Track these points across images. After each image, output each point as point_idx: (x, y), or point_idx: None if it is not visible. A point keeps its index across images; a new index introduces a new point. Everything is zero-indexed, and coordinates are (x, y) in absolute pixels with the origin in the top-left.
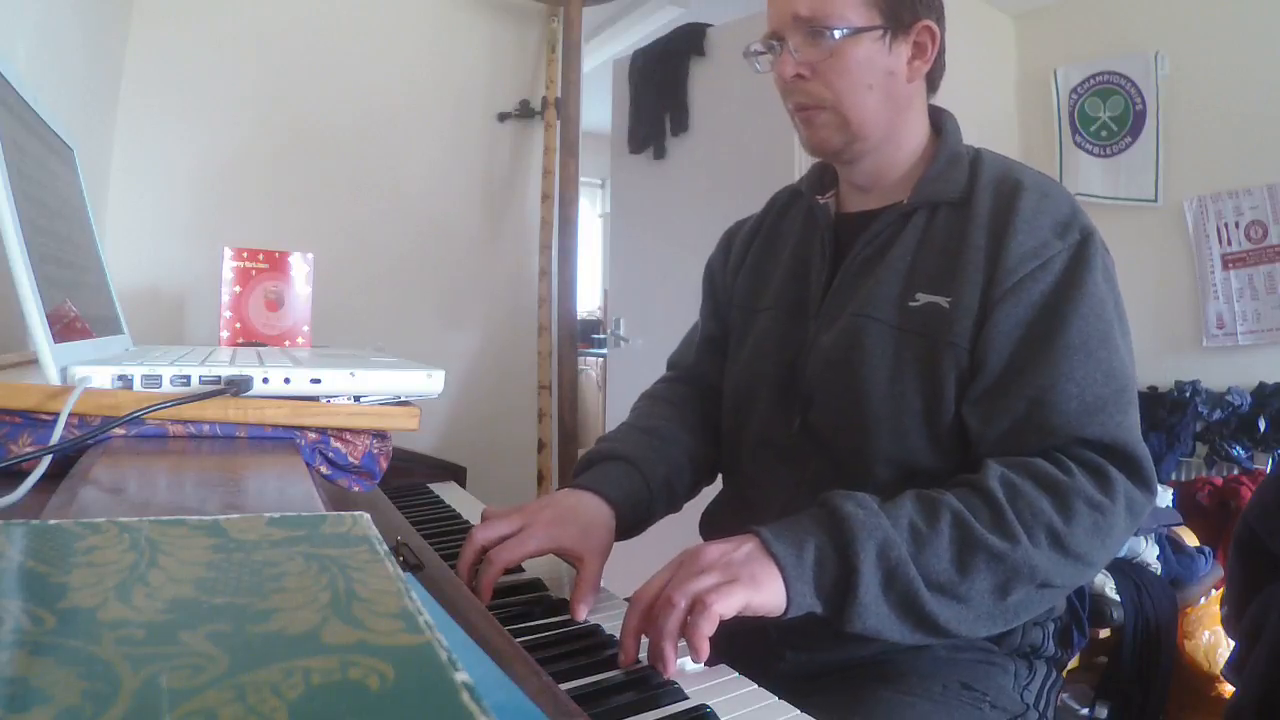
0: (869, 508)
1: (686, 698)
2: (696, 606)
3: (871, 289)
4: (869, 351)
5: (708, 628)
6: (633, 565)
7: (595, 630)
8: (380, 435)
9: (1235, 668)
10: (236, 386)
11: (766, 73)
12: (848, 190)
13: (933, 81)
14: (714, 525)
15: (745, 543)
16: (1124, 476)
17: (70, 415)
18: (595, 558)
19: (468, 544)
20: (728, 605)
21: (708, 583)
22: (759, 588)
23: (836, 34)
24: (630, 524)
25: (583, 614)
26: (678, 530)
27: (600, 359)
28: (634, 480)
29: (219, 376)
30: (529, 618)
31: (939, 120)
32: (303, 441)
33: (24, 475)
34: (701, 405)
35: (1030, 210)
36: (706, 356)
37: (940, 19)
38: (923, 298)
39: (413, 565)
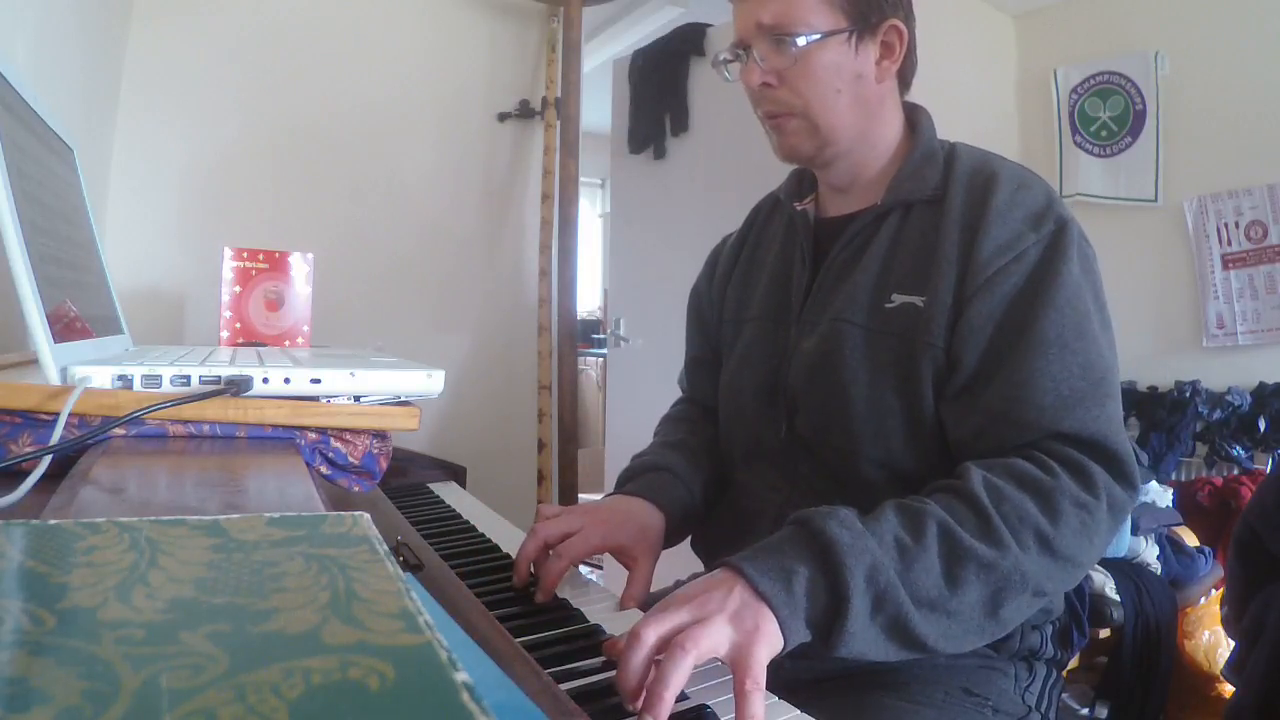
0: (853, 528)
1: (687, 698)
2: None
3: (849, 293)
4: (847, 356)
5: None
6: None
7: (595, 630)
8: (380, 435)
9: (1235, 668)
10: (236, 386)
11: (736, 81)
12: (826, 193)
13: (905, 79)
14: (710, 534)
15: (729, 584)
16: (1105, 473)
17: (70, 415)
18: (649, 556)
19: (531, 539)
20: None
21: (699, 643)
22: (753, 639)
23: (801, 41)
24: (676, 529)
25: (630, 608)
26: None
27: (600, 359)
28: (678, 488)
29: (219, 376)
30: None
31: (914, 117)
32: (303, 441)
33: (24, 475)
34: (710, 425)
35: (1004, 203)
36: (698, 379)
37: (908, 16)
38: (898, 299)
39: (413, 565)
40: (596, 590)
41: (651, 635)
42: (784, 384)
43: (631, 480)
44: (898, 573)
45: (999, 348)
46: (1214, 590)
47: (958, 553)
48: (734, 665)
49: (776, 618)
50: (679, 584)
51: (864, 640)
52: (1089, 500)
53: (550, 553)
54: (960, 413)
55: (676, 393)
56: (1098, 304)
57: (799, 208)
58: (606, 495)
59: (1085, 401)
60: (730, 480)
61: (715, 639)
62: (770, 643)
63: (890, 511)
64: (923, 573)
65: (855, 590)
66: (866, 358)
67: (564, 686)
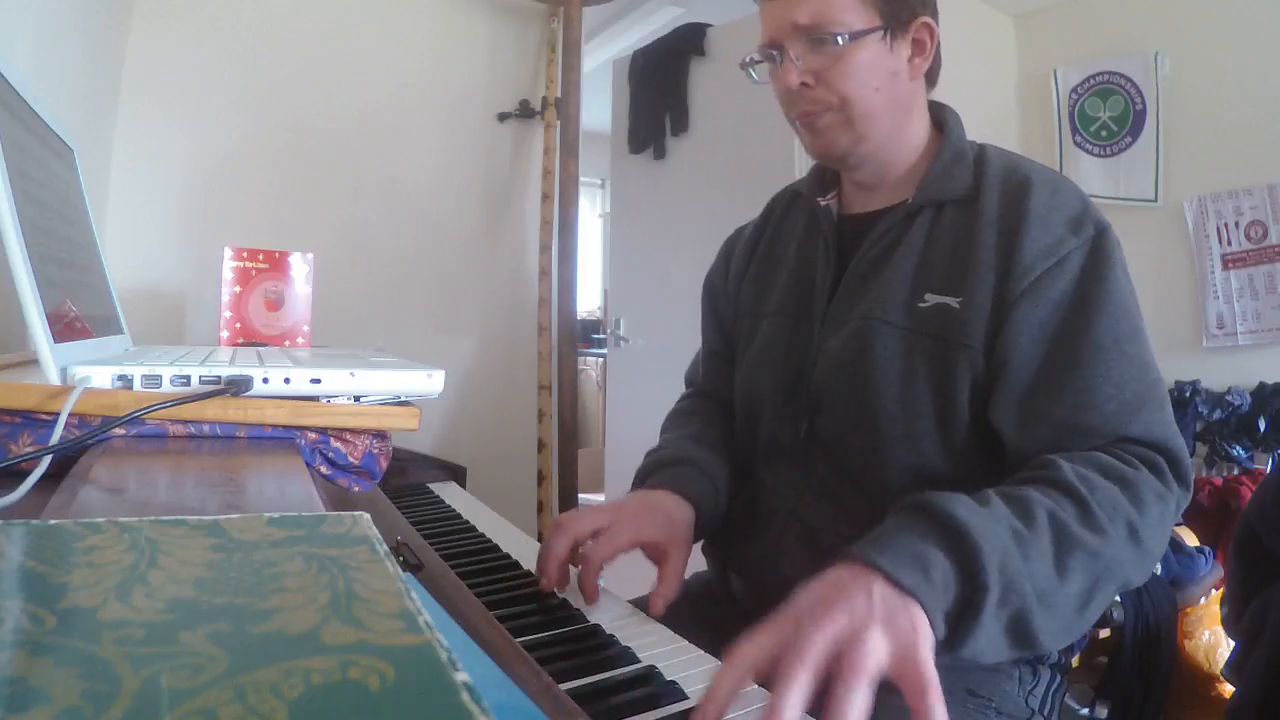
0: (979, 512)
1: (687, 697)
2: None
3: (879, 291)
4: (879, 355)
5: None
6: (634, 566)
7: (595, 630)
8: (380, 435)
9: (1235, 668)
10: (236, 386)
11: (765, 82)
12: (850, 190)
13: (931, 78)
14: (723, 533)
15: (865, 583)
16: (1171, 473)
17: (70, 415)
18: (680, 551)
19: (559, 535)
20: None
21: (867, 663)
22: (915, 643)
23: (840, 40)
24: (704, 523)
25: (662, 609)
26: None
27: (600, 359)
28: (703, 481)
29: (219, 376)
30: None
31: (941, 116)
32: (303, 441)
33: (24, 475)
34: (725, 419)
35: (1043, 207)
36: (714, 372)
37: (935, 14)
38: (932, 299)
39: (413, 565)
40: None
41: (804, 671)
42: (807, 382)
43: (653, 474)
44: (1020, 558)
45: (1056, 356)
46: (1214, 590)
47: (1066, 541)
48: (902, 679)
49: (925, 612)
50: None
51: (987, 636)
52: (1165, 492)
53: (580, 558)
54: (1021, 422)
55: (677, 392)
56: (1137, 307)
57: (823, 203)
58: (630, 492)
59: (1148, 404)
60: (746, 478)
61: (878, 654)
62: (929, 642)
63: (996, 497)
64: (1038, 561)
65: (991, 580)
66: (901, 357)
67: (564, 686)
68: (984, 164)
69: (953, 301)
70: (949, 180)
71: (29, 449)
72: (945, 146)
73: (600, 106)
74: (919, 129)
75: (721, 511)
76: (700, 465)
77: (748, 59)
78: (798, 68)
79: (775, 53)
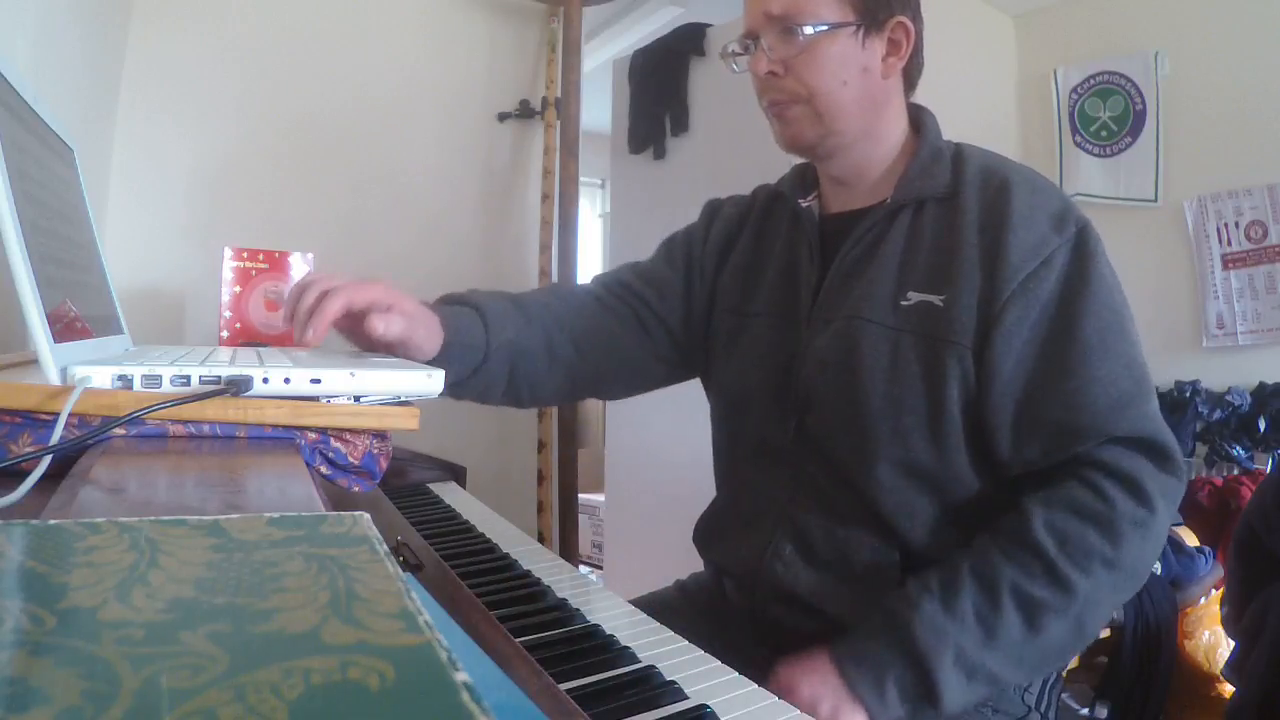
0: (935, 618)
1: (687, 698)
2: None
3: (864, 290)
4: (865, 354)
5: None
6: (634, 566)
7: (595, 630)
8: (380, 435)
9: (1235, 668)
10: (236, 386)
11: (744, 73)
12: (829, 188)
13: (910, 78)
14: (712, 533)
15: (832, 678)
16: (1157, 471)
17: (70, 415)
18: (404, 302)
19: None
20: None
21: None
22: None
23: (808, 30)
24: (450, 362)
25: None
26: (676, 533)
27: None
28: (473, 324)
29: (219, 376)
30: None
31: (918, 118)
32: (303, 441)
33: (24, 475)
34: (598, 312)
35: (1025, 206)
36: (620, 288)
37: (916, 15)
38: (915, 296)
39: (413, 565)
40: (596, 590)
41: None
42: (794, 382)
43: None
44: (983, 645)
45: (1046, 359)
46: (1214, 590)
47: (1032, 608)
48: None
49: (869, 716)
50: (679, 584)
51: (959, 704)
52: (1145, 516)
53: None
54: (1017, 430)
55: (676, 393)
56: (1123, 299)
57: (804, 204)
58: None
59: (1135, 400)
60: (732, 475)
61: None
62: None
63: (966, 582)
64: (1005, 636)
65: (945, 678)
66: (887, 355)
67: (564, 687)
68: (962, 162)
69: (936, 299)
70: (928, 178)
71: (29, 449)
72: (922, 145)
73: (600, 106)
74: (895, 128)
75: (495, 373)
76: (482, 311)
77: (728, 49)
78: (768, 57)
79: (751, 43)
